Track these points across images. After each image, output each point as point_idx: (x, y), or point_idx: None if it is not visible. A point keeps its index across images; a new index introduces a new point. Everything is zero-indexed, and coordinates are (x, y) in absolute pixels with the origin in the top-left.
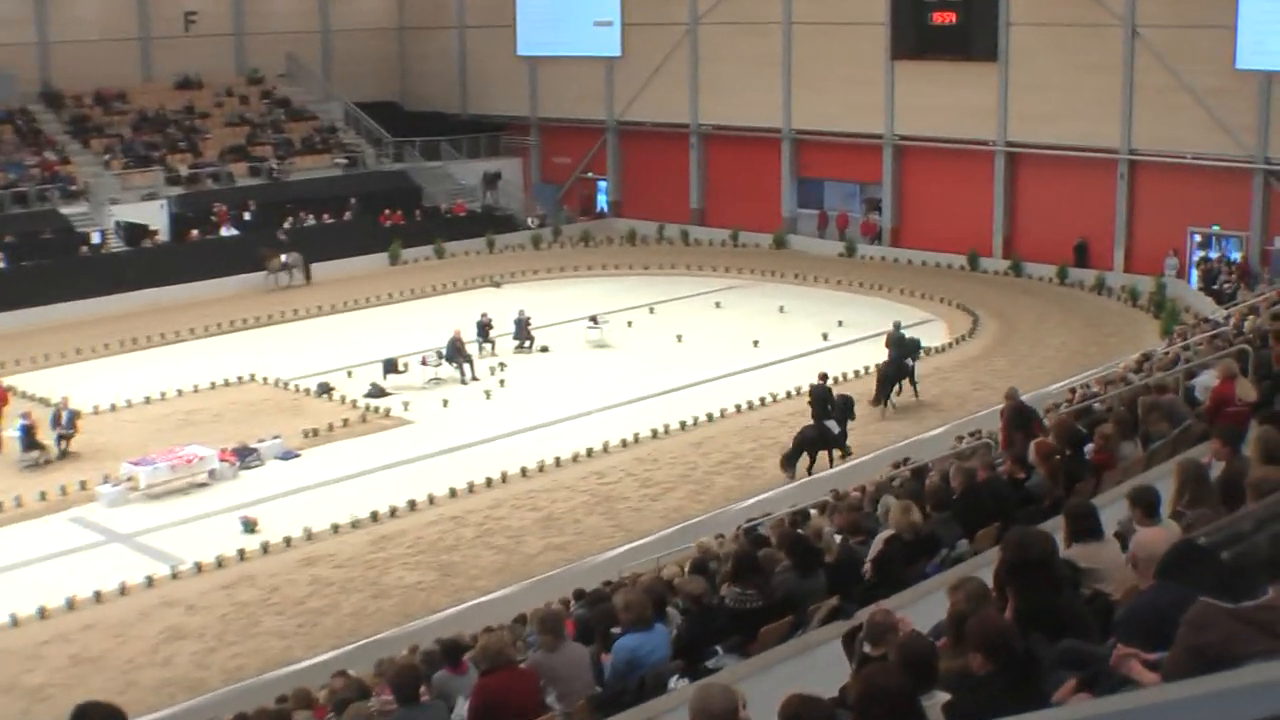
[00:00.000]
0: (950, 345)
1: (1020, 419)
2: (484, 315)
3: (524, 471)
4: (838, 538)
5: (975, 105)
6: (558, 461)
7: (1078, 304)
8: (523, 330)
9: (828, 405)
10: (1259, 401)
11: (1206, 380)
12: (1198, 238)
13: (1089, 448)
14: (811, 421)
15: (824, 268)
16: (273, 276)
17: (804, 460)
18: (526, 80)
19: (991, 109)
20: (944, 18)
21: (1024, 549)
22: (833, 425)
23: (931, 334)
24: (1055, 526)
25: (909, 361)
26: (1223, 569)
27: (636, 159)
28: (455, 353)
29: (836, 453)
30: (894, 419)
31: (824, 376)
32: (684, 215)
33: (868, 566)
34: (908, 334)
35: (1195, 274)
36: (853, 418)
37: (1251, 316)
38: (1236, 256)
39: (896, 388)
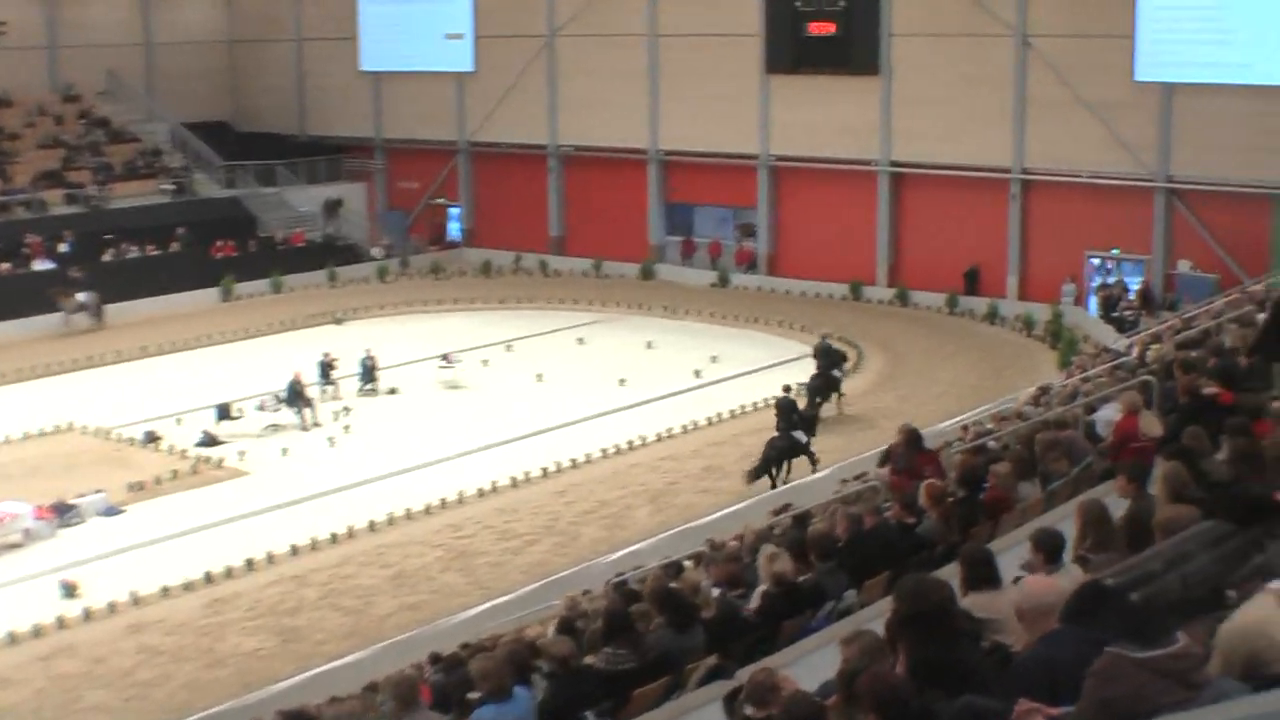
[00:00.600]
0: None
1: (911, 458)
2: (326, 355)
3: (372, 525)
4: (715, 591)
5: (857, 122)
6: (409, 514)
7: (969, 335)
8: (369, 371)
9: (793, 415)
10: (1165, 436)
11: (1108, 414)
12: (1096, 262)
13: (984, 488)
14: (778, 433)
15: (695, 299)
16: (69, 318)
17: (781, 473)
18: (370, 98)
19: (874, 126)
20: (822, 28)
21: (918, 598)
22: (800, 435)
23: (812, 370)
24: (951, 574)
25: (835, 373)
26: (1133, 612)
27: (491, 183)
28: (295, 396)
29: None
30: (824, 433)
31: (787, 389)
32: (543, 244)
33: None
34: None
35: (1094, 301)
36: (814, 434)
37: (1155, 345)
38: (1137, 282)
39: (820, 399)
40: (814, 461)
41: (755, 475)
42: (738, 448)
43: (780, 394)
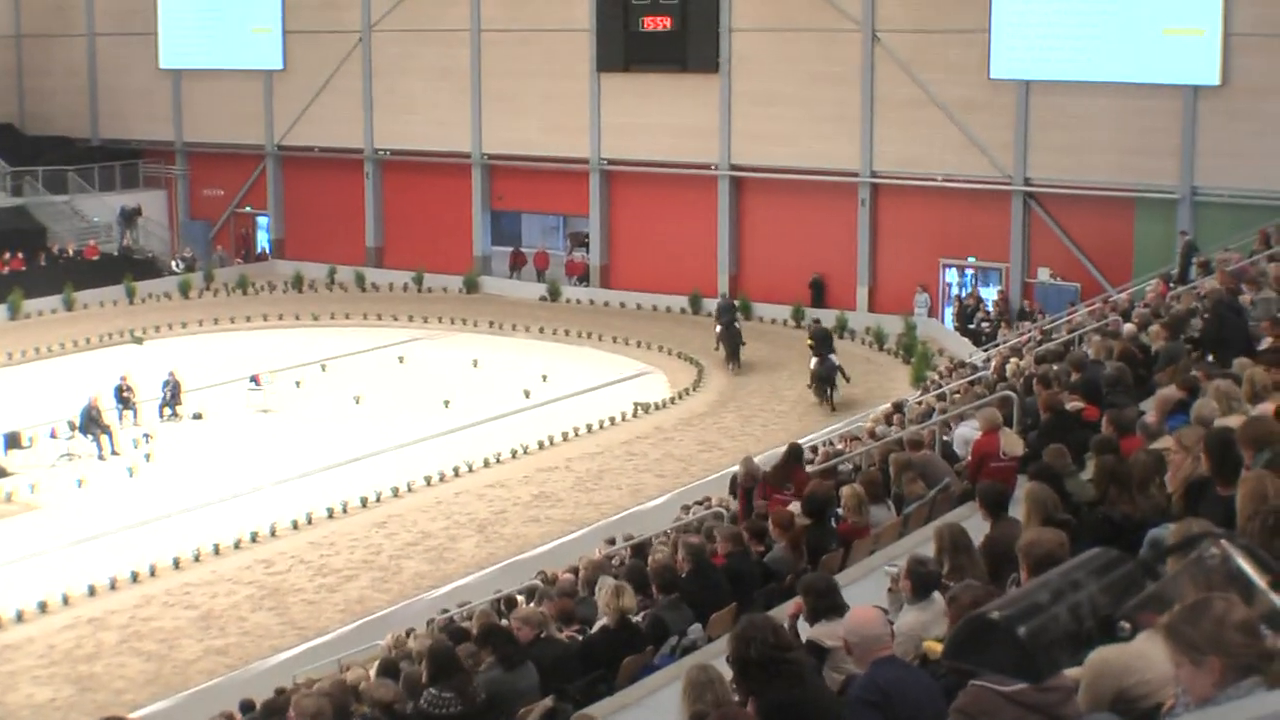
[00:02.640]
0: (672, 400)
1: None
2: (124, 378)
3: (176, 562)
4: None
5: (694, 124)
6: (216, 549)
7: None
8: (172, 394)
9: (830, 342)
10: (1026, 455)
11: (966, 433)
12: (951, 271)
13: (835, 514)
14: (817, 359)
15: (523, 314)
16: None
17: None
18: (170, 98)
19: (713, 128)
20: (657, 23)
21: (750, 642)
22: (834, 359)
23: (650, 388)
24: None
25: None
26: (1020, 647)
27: (302, 190)
28: (91, 423)
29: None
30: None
31: (817, 320)
32: (359, 256)
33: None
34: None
35: (949, 312)
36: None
37: (1014, 359)
38: (994, 291)
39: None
40: (847, 379)
41: (821, 394)
42: (570, 473)
43: (813, 326)
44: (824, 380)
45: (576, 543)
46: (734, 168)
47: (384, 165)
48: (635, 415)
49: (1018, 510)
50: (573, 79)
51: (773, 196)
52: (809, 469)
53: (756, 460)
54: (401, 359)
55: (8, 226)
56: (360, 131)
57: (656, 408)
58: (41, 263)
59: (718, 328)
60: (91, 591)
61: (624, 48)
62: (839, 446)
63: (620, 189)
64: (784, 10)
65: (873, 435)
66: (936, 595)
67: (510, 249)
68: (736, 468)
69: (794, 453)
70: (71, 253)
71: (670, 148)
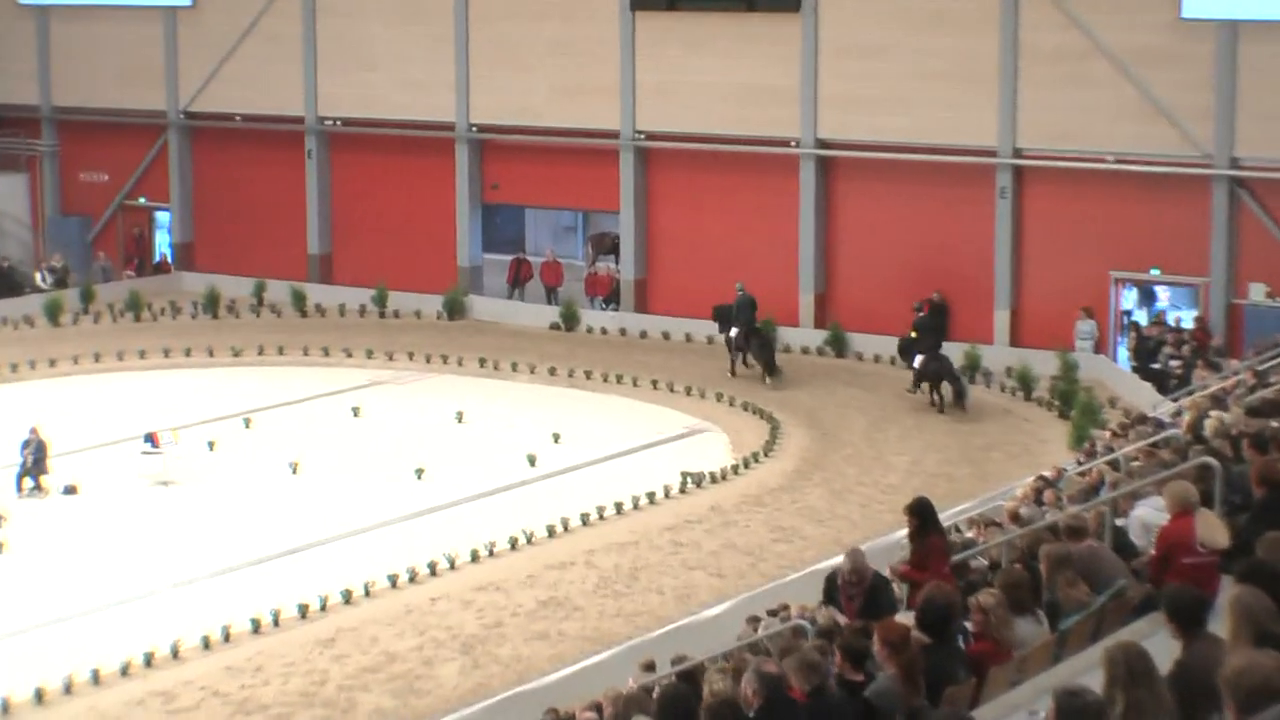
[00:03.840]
0: (735, 469)
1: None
2: None
3: (40, 695)
4: None
5: (766, 84)
6: (97, 676)
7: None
8: (34, 459)
9: (944, 328)
10: (1233, 547)
11: (1148, 515)
12: (1128, 289)
13: (965, 630)
14: (926, 354)
15: (527, 348)
16: None
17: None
18: (34, 47)
19: (791, 89)
20: None
21: None
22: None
23: (704, 452)
24: None
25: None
26: None
27: (219, 175)
28: None
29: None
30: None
31: (919, 309)
32: (297, 267)
33: None
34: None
35: (1124, 346)
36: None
37: (1216, 413)
38: (1188, 317)
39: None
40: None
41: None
42: (592, 571)
43: (922, 314)
44: (932, 378)
45: (600, 668)
46: (821, 144)
47: (332, 140)
48: (683, 490)
49: (1220, 625)
50: (596, 21)
51: (875, 184)
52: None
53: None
54: (356, 410)
55: None
56: (299, 94)
57: (713, 479)
58: None
59: (731, 333)
60: None
61: None
62: (969, 534)
63: (662, 174)
64: None
65: (1016, 519)
66: None
67: (509, 257)
68: (838, 560)
69: (921, 510)
70: None
71: (732, 117)
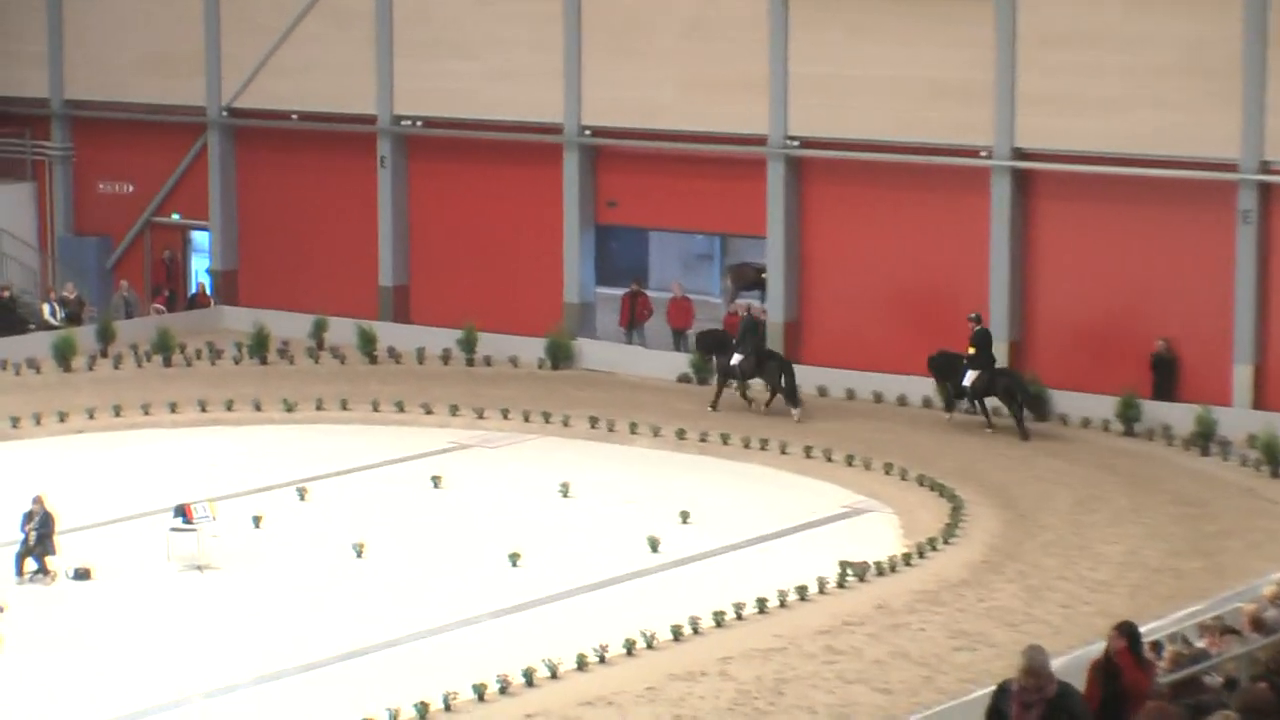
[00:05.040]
0: (906, 559)
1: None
2: None
3: None
4: None
5: (949, 79)
6: None
7: (1155, 473)
8: (38, 536)
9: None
10: None
11: None
12: None
13: None
14: (979, 370)
15: (649, 404)
16: None
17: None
18: (43, 27)
19: (983, 86)
20: None
21: None
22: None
23: (868, 536)
24: None
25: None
26: None
27: (269, 187)
28: None
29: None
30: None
31: (978, 318)
32: (366, 301)
33: None
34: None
35: None
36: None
37: None
38: None
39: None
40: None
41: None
42: (728, 684)
43: (979, 327)
44: (1002, 394)
45: None
46: (1018, 154)
47: (411, 145)
48: (842, 583)
49: None
50: (737, 5)
51: (1083, 205)
52: (1155, 687)
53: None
54: (437, 480)
55: None
56: (370, 87)
57: (879, 571)
58: None
59: (735, 359)
60: None
61: None
62: (1200, 644)
63: (819, 190)
64: None
65: (1259, 625)
66: None
67: (627, 291)
68: (1022, 664)
69: (1127, 634)
70: None
71: (907, 120)
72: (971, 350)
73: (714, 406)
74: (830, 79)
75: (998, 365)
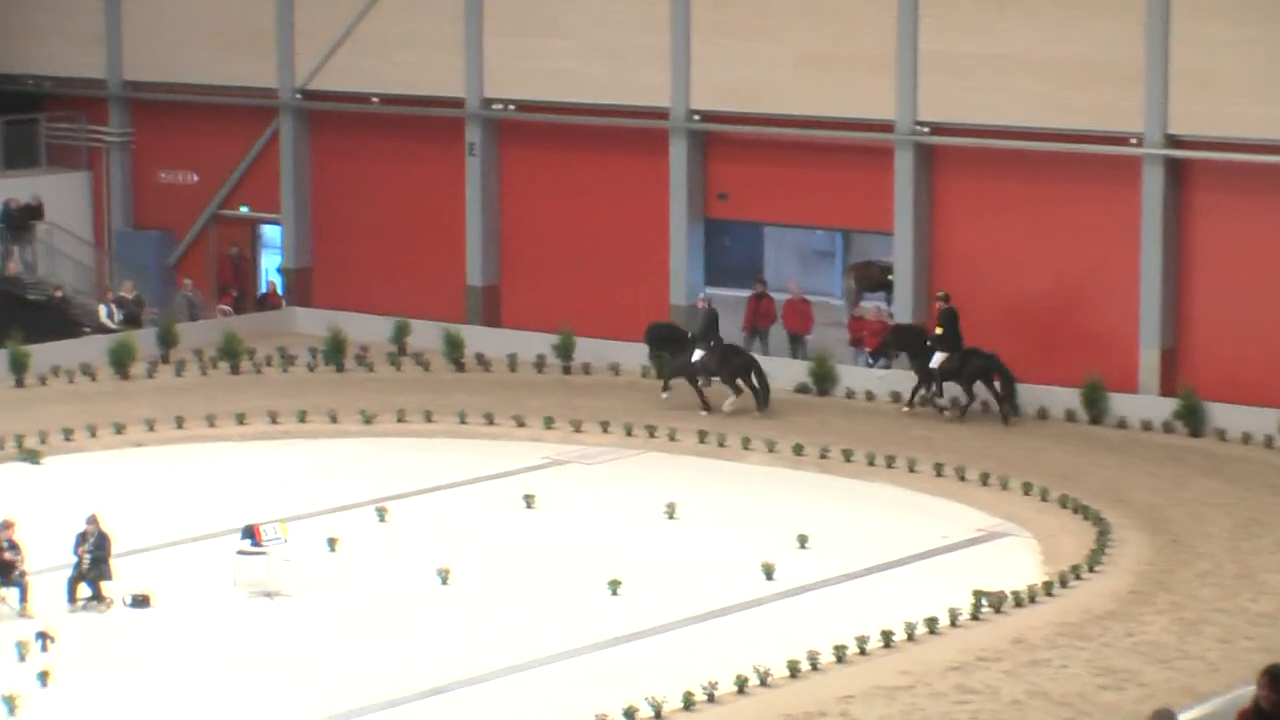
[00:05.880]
0: (1048, 588)
1: None
2: (5, 526)
3: None
4: None
5: (1097, 58)
6: None
7: None
8: (93, 559)
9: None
10: None
11: None
12: None
13: None
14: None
15: (763, 418)
16: None
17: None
18: (101, 4)
19: (1133, 67)
20: None
21: None
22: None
23: (1005, 562)
24: None
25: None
26: None
27: (346, 177)
28: None
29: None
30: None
31: (945, 296)
32: (453, 302)
33: None
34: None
35: None
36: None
37: None
38: None
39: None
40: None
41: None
42: None
43: (945, 305)
44: (928, 378)
45: None
46: (1172, 142)
47: (502, 131)
48: (976, 615)
49: None
50: None
51: (1247, 199)
52: None
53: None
54: (530, 500)
55: None
56: (458, 67)
57: (1017, 602)
58: None
59: (696, 355)
60: None
61: None
62: None
63: (951, 181)
64: None
65: None
66: None
67: (744, 293)
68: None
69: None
70: None
71: (1049, 104)
72: (939, 330)
73: (707, 408)
74: (963, 59)
75: (966, 346)
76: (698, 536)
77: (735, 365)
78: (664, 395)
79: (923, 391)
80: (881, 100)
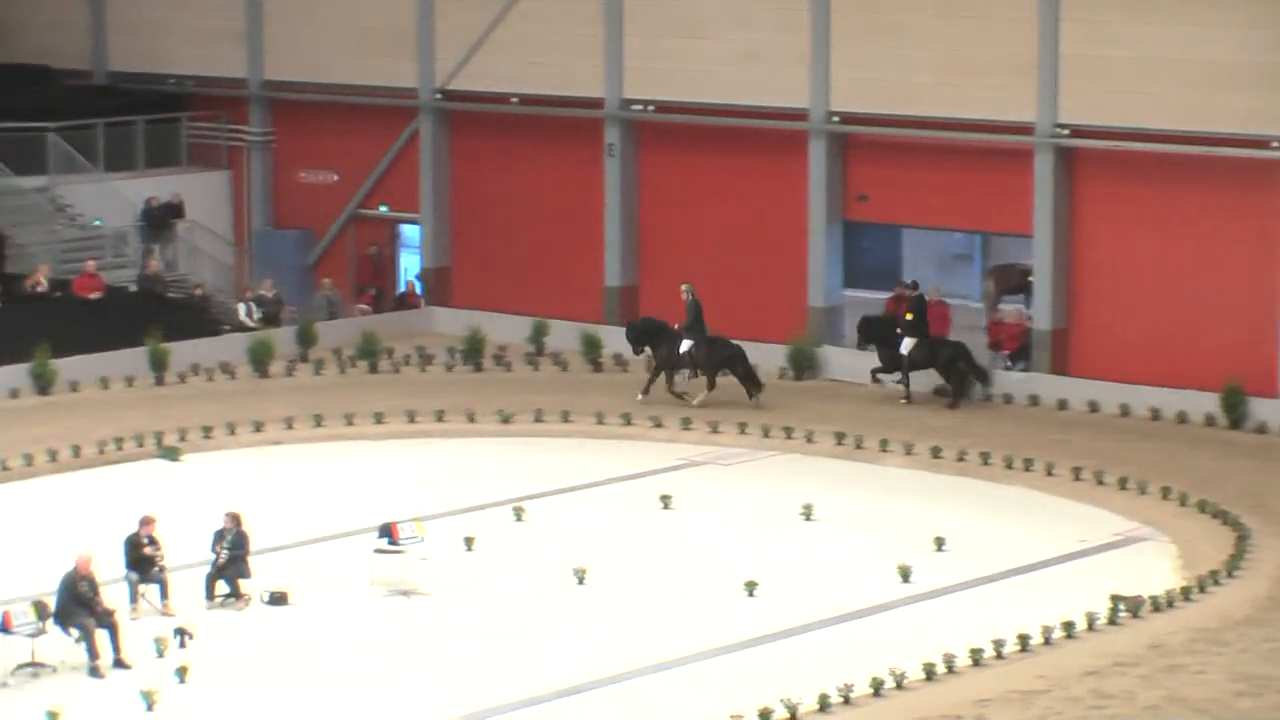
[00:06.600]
0: (1185, 593)
1: None
2: (145, 524)
3: None
4: None
5: (1243, 63)
6: None
7: None
8: (230, 557)
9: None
10: None
11: None
12: None
13: None
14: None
15: (901, 419)
16: None
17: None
18: (243, 3)
19: None
20: None
21: None
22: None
23: (1141, 567)
24: None
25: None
26: None
27: (485, 177)
28: (73, 606)
29: None
30: None
31: (916, 285)
32: (591, 303)
33: None
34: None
35: None
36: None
37: None
38: None
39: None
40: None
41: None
42: None
43: (915, 293)
44: (911, 364)
45: None
46: None
47: (642, 132)
48: (1113, 620)
49: None
50: None
51: None
52: None
53: None
54: (666, 500)
55: None
56: (598, 68)
57: (1154, 607)
58: None
59: (685, 346)
60: None
61: None
62: None
63: (1092, 185)
64: None
65: None
66: None
67: (882, 295)
68: None
69: None
70: (47, 285)
71: (1195, 107)
72: (909, 316)
73: (645, 392)
74: (1106, 61)
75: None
76: (834, 538)
77: (721, 357)
78: (640, 398)
79: (885, 378)
80: (1022, 103)
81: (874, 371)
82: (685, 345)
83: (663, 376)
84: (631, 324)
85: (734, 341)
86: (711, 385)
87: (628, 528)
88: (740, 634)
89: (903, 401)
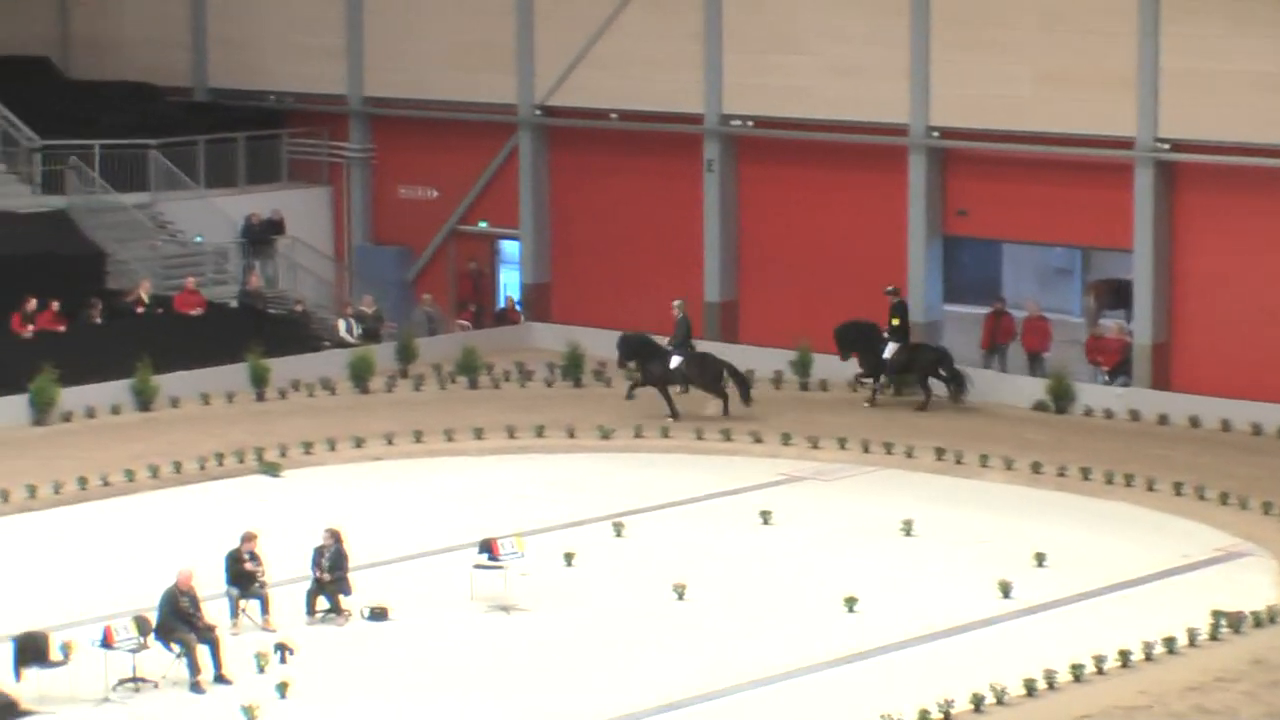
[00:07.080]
0: None
1: None
2: (247, 540)
3: None
4: None
5: None
6: None
7: None
8: (332, 573)
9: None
10: None
11: None
12: None
13: None
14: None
15: (1002, 434)
16: None
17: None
18: (342, 18)
19: None
20: None
21: None
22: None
23: (1243, 583)
24: None
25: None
26: None
27: (585, 193)
28: (178, 622)
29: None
30: None
31: (896, 290)
32: (691, 318)
33: None
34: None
35: None
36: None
37: None
38: None
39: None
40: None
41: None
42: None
43: (897, 299)
44: (893, 368)
45: None
46: None
47: (741, 147)
48: (1215, 635)
49: None
50: None
51: None
52: None
53: None
54: (766, 516)
55: (36, 248)
56: (697, 83)
57: (1256, 622)
58: (95, 319)
59: (674, 361)
60: None
61: None
62: None
63: (1193, 199)
64: None
65: None
66: None
67: (982, 310)
68: None
69: None
70: (148, 301)
71: None
72: (894, 321)
73: (674, 416)
74: (1207, 75)
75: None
76: (934, 554)
77: (714, 372)
78: (628, 398)
79: (870, 381)
80: (1122, 117)
81: (857, 377)
82: (675, 361)
83: (659, 395)
84: (628, 338)
85: (718, 357)
86: (720, 394)
87: (727, 543)
88: (840, 649)
89: (866, 405)
